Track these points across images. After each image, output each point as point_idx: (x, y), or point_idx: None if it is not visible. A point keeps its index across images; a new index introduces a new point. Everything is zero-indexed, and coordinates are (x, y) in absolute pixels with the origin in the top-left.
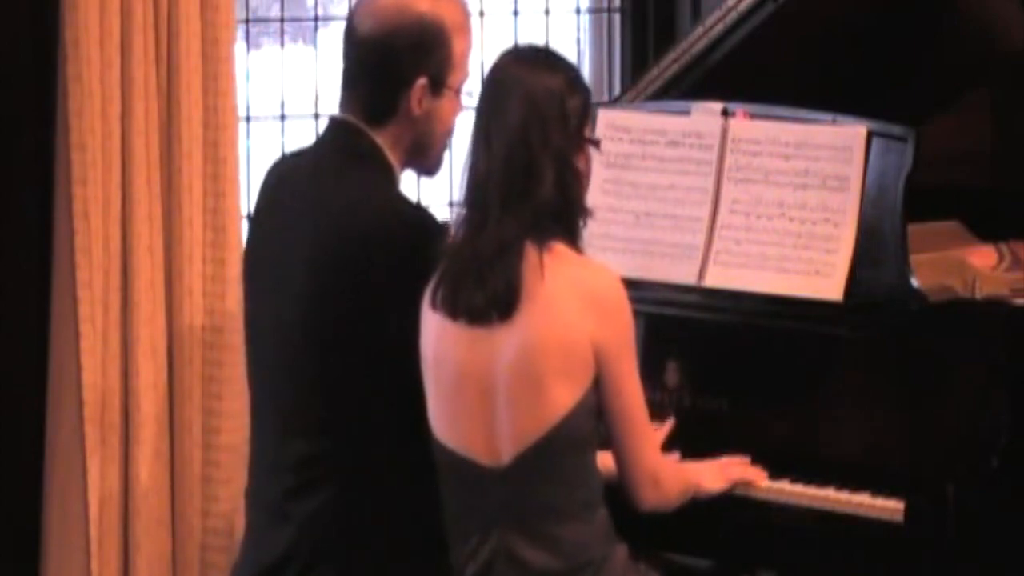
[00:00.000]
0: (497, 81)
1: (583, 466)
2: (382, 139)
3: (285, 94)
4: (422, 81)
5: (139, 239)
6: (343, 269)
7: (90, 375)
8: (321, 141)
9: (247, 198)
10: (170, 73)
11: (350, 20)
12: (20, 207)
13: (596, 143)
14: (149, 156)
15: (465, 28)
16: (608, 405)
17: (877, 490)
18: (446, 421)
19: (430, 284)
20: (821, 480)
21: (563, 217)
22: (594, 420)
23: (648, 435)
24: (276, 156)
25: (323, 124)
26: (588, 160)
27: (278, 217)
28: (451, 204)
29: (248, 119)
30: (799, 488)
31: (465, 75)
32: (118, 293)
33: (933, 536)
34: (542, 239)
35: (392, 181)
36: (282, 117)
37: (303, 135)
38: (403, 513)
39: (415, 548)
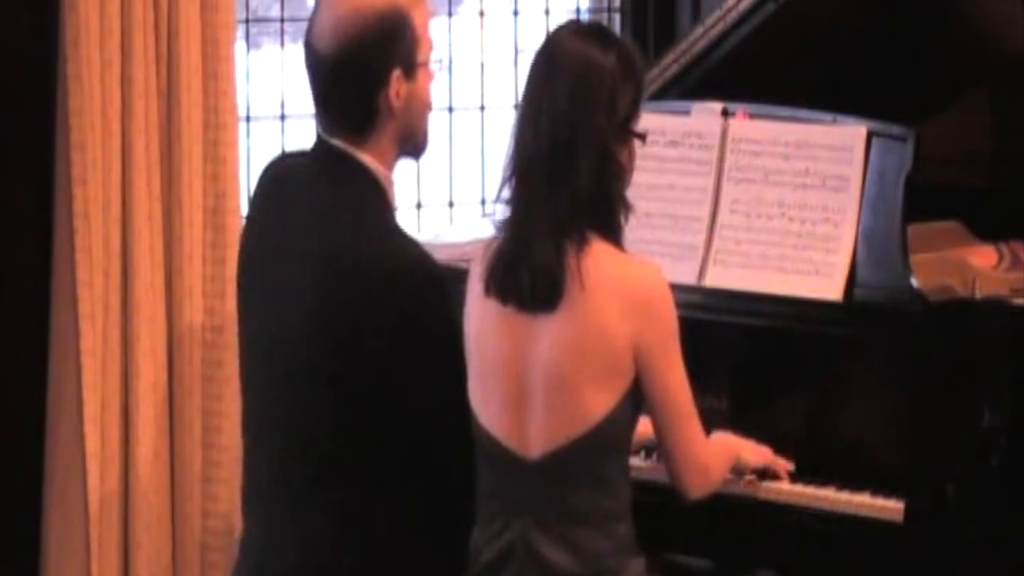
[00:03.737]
0: (550, 53)
1: (612, 476)
2: (371, 152)
3: (285, 94)
4: (396, 73)
5: (139, 239)
6: (343, 314)
7: (90, 375)
8: (314, 165)
9: (247, 198)
10: (170, 73)
11: (308, 43)
12: (20, 207)
13: (642, 137)
14: (149, 156)
15: None
16: (653, 400)
17: (877, 490)
18: (483, 402)
19: (477, 263)
20: (821, 480)
21: (600, 211)
22: (630, 430)
23: (695, 426)
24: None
25: None
26: (632, 154)
27: (276, 238)
28: (451, 204)
29: (248, 119)
30: (799, 488)
31: (430, 44)
32: (118, 293)
33: (933, 536)
34: (579, 235)
35: (390, 216)
36: (282, 117)
37: (303, 135)
38: (410, 521)
39: (418, 549)
